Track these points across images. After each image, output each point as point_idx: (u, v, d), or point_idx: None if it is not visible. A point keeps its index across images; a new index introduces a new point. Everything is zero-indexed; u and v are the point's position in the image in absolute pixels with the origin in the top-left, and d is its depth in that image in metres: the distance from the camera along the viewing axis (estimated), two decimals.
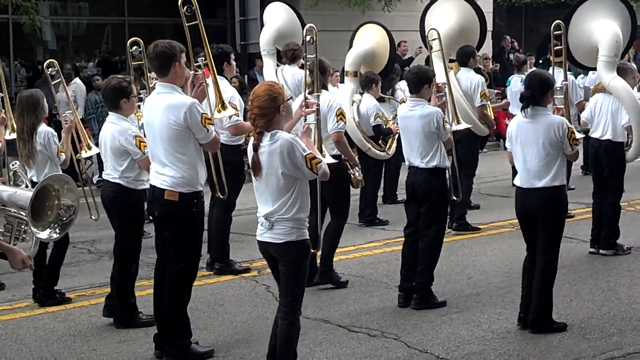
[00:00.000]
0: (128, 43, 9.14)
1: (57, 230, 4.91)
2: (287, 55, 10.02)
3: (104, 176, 7.20)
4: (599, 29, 9.10)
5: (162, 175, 6.04)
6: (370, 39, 10.77)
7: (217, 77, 7.82)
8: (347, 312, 7.27)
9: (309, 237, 5.47)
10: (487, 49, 19.79)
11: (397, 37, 17.64)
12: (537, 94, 6.55)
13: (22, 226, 4.78)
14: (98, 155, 9.54)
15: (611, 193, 9.00)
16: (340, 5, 18.56)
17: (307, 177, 5.39)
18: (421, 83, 7.38)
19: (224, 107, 7.57)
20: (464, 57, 10.36)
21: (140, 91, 9.33)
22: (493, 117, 10.99)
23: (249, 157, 5.41)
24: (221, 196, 8.05)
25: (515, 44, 21.23)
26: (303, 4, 19.72)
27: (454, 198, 9.26)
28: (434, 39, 10.05)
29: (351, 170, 8.10)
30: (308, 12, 19.56)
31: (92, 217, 9.12)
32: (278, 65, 10.48)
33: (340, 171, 7.73)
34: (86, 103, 14.78)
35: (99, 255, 9.55)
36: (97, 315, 7.22)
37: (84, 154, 8.92)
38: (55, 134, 7.68)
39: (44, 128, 7.58)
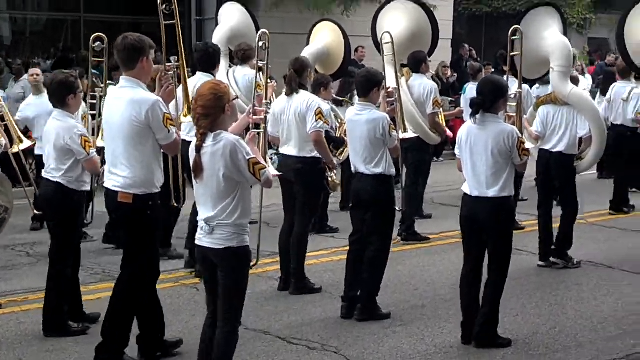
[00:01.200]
0: (91, 38, 8.88)
1: None
2: (238, 55, 9.84)
3: (44, 174, 6.87)
4: (548, 39, 8.92)
5: (115, 175, 5.82)
6: (325, 38, 10.62)
7: (204, 74, 7.55)
8: (289, 322, 7.07)
9: (248, 244, 5.26)
10: (446, 57, 19.76)
11: (356, 43, 17.52)
12: (488, 101, 6.38)
13: None
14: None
15: (569, 204, 8.94)
16: (300, 8, 18.38)
17: (249, 182, 5.20)
18: (370, 86, 7.18)
19: (189, 110, 7.06)
20: (416, 63, 10.12)
21: (95, 89, 9.07)
22: (448, 125, 10.85)
23: (191, 159, 5.21)
24: (175, 204, 7.70)
25: (474, 52, 21.20)
26: (263, 6, 19.53)
27: (397, 208, 9.10)
28: (387, 43, 9.84)
29: (328, 173, 7.95)
30: (267, 14, 19.36)
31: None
32: (230, 66, 10.28)
33: (316, 173, 7.65)
34: None
35: (37, 258, 9.21)
36: (27, 322, 6.96)
37: (15, 148, 8.67)
38: None
39: None
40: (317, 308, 7.45)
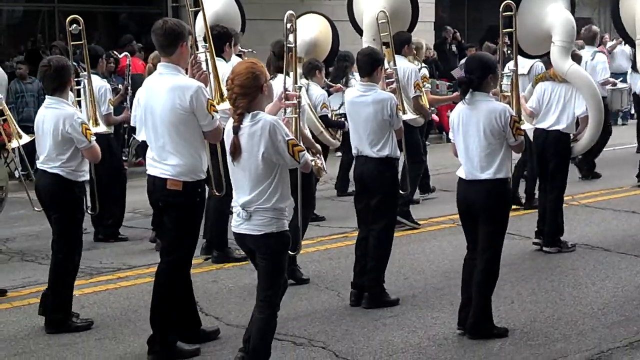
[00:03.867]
0: (67, 21, 8.50)
1: None
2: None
3: (40, 166, 6.56)
4: (552, 14, 8.55)
5: (162, 163, 5.69)
6: (312, 27, 10.21)
7: (217, 59, 7.28)
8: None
9: (288, 229, 5.12)
10: (429, 39, 19.40)
11: (338, 27, 17.19)
12: (476, 78, 6.03)
13: None
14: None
15: (556, 188, 8.56)
16: None
17: (288, 164, 5.05)
18: (374, 66, 6.92)
19: (222, 98, 6.62)
20: (400, 44, 9.72)
21: (81, 75, 8.74)
22: (433, 109, 10.53)
23: (227, 141, 5.08)
24: (217, 194, 7.41)
25: (458, 34, 20.85)
26: None
27: (401, 192, 8.75)
28: (383, 22, 9.27)
29: (312, 158, 7.56)
30: (247, 0, 19.01)
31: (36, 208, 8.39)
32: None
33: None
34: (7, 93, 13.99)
35: (9, 255, 8.83)
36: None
37: (15, 143, 8.47)
38: None
39: None
40: (303, 301, 7.09)
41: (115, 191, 9.53)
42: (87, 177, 6.62)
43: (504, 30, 8.46)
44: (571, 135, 8.55)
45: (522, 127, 6.29)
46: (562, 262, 8.15)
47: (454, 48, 19.92)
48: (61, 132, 6.30)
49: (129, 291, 7.52)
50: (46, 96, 6.56)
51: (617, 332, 6.19)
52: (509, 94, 7.57)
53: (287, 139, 4.97)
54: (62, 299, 6.43)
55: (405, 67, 9.78)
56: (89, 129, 6.44)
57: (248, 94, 4.98)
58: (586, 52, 12.70)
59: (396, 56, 9.61)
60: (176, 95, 5.58)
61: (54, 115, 6.35)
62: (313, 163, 7.52)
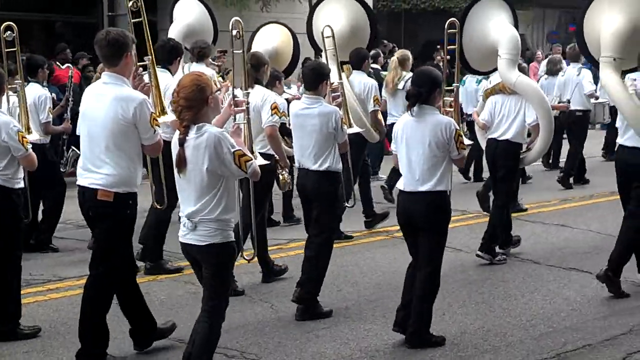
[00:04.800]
0: (1, 28, 8.43)
1: None
2: (194, 52, 9.41)
3: None
4: (495, 29, 8.70)
5: (95, 173, 5.65)
6: (274, 37, 10.43)
7: (161, 70, 7.47)
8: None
9: (234, 239, 5.24)
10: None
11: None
12: (424, 92, 6.15)
13: None
14: None
15: (501, 195, 8.80)
16: (217, 4, 17.91)
17: (234, 175, 5.16)
18: (319, 79, 7.07)
19: (163, 112, 6.74)
20: (359, 60, 9.96)
21: (16, 82, 8.55)
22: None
23: (173, 152, 5.12)
24: (158, 207, 7.43)
25: (396, 48, 21.04)
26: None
27: (347, 205, 9.16)
28: (328, 37, 9.48)
29: (280, 171, 7.75)
30: (219, 13, 18.92)
31: None
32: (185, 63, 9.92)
33: (268, 172, 7.28)
34: None
35: None
36: None
37: None
38: None
39: None
40: (236, 313, 7.04)
41: (50, 201, 9.42)
42: (22, 184, 6.56)
43: (449, 47, 8.63)
44: (523, 144, 8.79)
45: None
46: (493, 274, 8.28)
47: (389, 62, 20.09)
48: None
49: (59, 303, 7.41)
50: None
51: (544, 344, 6.31)
52: (451, 108, 7.70)
53: (232, 150, 5.00)
54: (5, 309, 6.39)
55: (365, 81, 9.95)
56: (26, 137, 6.39)
57: (193, 106, 5.02)
58: (572, 69, 13.61)
59: (355, 71, 9.97)
60: (119, 105, 5.56)
61: None
62: (282, 177, 7.66)
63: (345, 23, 10.10)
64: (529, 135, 8.85)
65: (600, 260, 7.89)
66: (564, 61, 14.86)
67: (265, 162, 6.76)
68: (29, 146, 6.38)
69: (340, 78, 9.25)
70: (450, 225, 6.36)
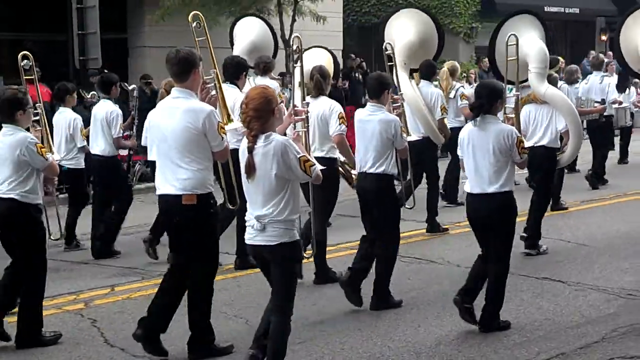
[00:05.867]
0: (19, 57, 9.08)
1: None
2: (259, 67, 10.37)
3: None
4: (526, 44, 9.54)
5: (175, 180, 6.10)
6: (320, 58, 10.79)
7: (229, 85, 8.45)
8: (173, 348, 6.54)
9: (299, 238, 5.64)
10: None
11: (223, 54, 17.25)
12: (486, 103, 6.75)
13: None
14: None
15: (543, 196, 9.66)
16: (186, 22, 17.87)
17: (300, 179, 5.55)
18: (382, 89, 7.62)
19: (229, 119, 7.65)
20: (428, 71, 10.94)
21: (36, 105, 8.83)
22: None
23: (242, 160, 5.50)
24: (231, 207, 8.04)
25: (364, 63, 21.21)
26: (148, 19, 19.01)
27: (406, 206, 9.94)
28: (391, 52, 10.48)
29: (353, 171, 8.33)
30: (153, 28, 18.86)
31: None
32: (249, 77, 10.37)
33: (331, 176, 7.88)
34: None
35: None
36: None
37: None
38: None
39: None
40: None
41: (117, 210, 10.08)
42: (41, 200, 6.83)
43: (509, 59, 9.47)
44: (557, 149, 9.63)
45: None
46: None
47: (359, 76, 20.25)
48: (17, 156, 6.57)
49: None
50: (3, 125, 6.79)
51: (519, 354, 6.36)
52: (512, 116, 8.28)
53: (298, 156, 5.44)
54: (31, 319, 6.66)
55: (432, 91, 10.97)
56: (44, 147, 6.81)
57: (261, 116, 5.43)
58: (594, 77, 14.87)
59: (423, 81, 11.02)
60: (190, 117, 6.07)
61: (8, 140, 6.63)
62: (354, 177, 8.29)
63: (415, 35, 11.06)
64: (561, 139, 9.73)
65: (573, 269, 7.97)
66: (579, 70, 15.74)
67: (323, 167, 7.06)
68: (49, 155, 6.86)
69: (408, 89, 10.41)
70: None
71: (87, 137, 10.30)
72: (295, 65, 7.80)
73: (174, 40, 18.33)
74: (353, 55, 21.11)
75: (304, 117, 6.93)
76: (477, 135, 6.82)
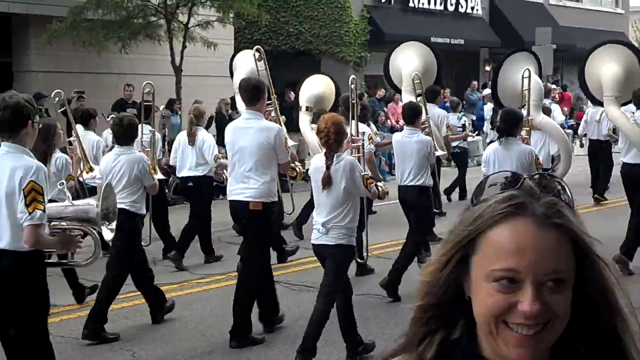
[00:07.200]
0: (52, 95, 10.30)
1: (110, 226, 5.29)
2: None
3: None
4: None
5: (245, 189, 7.11)
6: (320, 84, 11.33)
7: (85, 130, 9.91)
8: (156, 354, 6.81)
9: (354, 245, 6.72)
10: (228, 93, 19.41)
11: (131, 80, 17.10)
12: (509, 127, 8.20)
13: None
14: None
15: None
16: (75, 45, 17.65)
17: (361, 193, 6.70)
18: (416, 116, 9.33)
19: (91, 169, 9.01)
20: (433, 95, 12.40)
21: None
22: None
23: (313, 174, 6.64)
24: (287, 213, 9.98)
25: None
26: (34, 43, 18.55)
27: (435, 210, 11.41)
28: (418, 82, 11.83)
29: (380, 184, 8.80)
30: (40, 52, 18.42)
31: None
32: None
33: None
34: None
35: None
36: None
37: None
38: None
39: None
40: (182, 342, 7.26)
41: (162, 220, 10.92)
42: (144, 211, 8.00)
43: (524, 90, 10.63)
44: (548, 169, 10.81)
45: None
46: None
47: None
48: (134, 174, 7.54)
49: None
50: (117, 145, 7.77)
51: None
52: (527, 137, 9.71)
53: (362, 174, 6.57)
54: (101, 311, 7.36)
55: (438, 112, 12.77)
56: (154, 168, 8.18)
57: (340, 140, 6.51)
58: (592, 109, 15.36)
59: (429, 103, 12.09)
60: (263, 134, 7.16)
61: (126, 160, 7.57)
62: (380, 189, 8.43)
63: (418, 64, 12.35)
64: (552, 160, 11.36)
65: None
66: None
67: (379, 184, 8.06)
68: (155, 175, 8.19)
69: (427, 113, 11.28)
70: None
71: None
72: (353, 101, 8.66)
73: (61, 64, 18.21)
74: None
75: (359, 144, 8.20)
76: (502, 153, 8.17)
